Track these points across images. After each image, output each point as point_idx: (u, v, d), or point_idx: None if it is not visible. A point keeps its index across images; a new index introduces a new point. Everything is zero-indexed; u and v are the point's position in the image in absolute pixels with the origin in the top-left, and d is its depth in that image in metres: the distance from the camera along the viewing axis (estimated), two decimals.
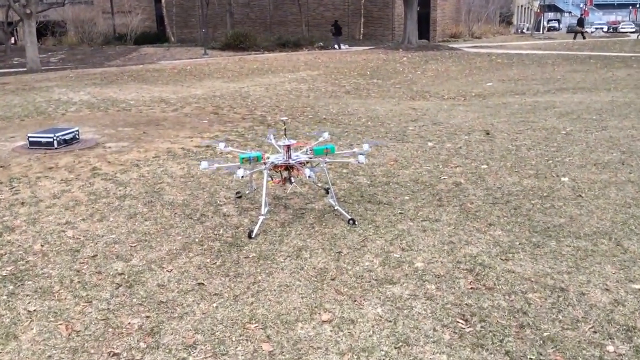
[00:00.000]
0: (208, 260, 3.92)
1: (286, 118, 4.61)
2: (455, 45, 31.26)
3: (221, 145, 4.98)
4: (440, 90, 14.20)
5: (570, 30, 38.75)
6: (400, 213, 4.73)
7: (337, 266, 3.76)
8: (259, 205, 4.97)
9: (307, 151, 4.85)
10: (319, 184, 5.13)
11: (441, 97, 13.10)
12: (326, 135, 5.18)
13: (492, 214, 4.65)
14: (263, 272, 3.73)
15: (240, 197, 5.18)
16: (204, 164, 4.50)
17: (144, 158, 6.65)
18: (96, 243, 4.25)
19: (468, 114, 9.89)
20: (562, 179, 5.62)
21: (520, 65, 19.46)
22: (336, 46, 30.32)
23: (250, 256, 3.97)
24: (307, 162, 4.73)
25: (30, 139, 7.15)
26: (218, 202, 5.09)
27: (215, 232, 4.40)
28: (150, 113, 10.39)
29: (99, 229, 4.51)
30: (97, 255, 4.05)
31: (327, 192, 5.22)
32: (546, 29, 51.37)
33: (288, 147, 4.63)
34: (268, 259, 3.91)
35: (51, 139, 7.06)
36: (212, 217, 4.74)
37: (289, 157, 4.64)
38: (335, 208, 4.62)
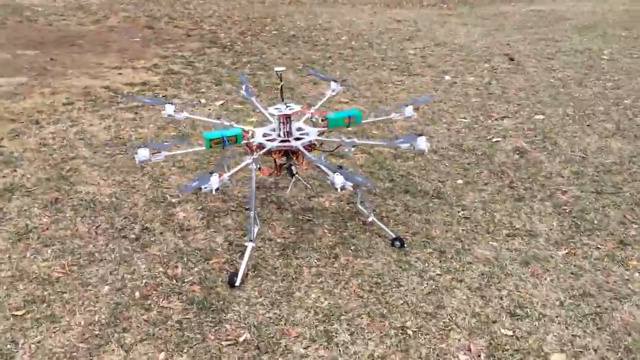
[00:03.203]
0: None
1: (283, 68, 2.58)
2: None
3: (169, 109, 2.99)
4: None
5: None
6: (464, 217, 2.97)
7: None
8: (241, 202, 3.09)
9: (312, 119, 2.94)
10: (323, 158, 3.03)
11: (420, 3, 11.06)
12: (336, 86, 3.25)
13: (611, 218, 2.96)
14: None
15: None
16: (143, 152, 2.53)
17: (49, 107, 4.51)
18: None
19: (469, 29, 8.01)
20: None
21: None
22: None
23: (241, 340, 2.15)
24: (320, 144, 2.82)
25: None
26: (169, 197, 3.17)
27: (170, 273, 2.53)
28: (63, 26, 7.94)
29: None
30: None
31: (340, 167, 3.35)
32: None
33: (287, 117, 2.70)
34: (277, 351, 2.10)
35: None
36: (160, 232, 2.84)
37: (289, 133, 2.73)
38: (370, 220, 2.80)
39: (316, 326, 2.21)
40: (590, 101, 4.77)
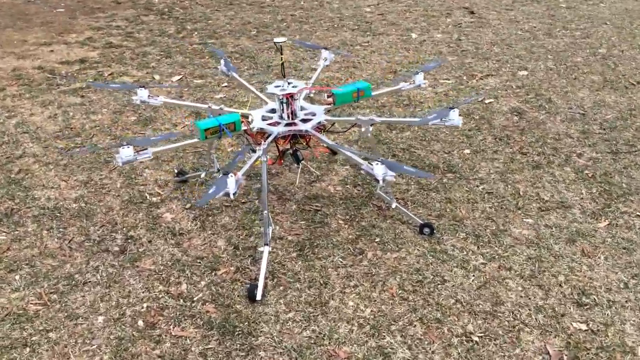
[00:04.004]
0: None
1: (284, 39, 2.16)
2: None
3: (142, 93, 2.51)
4: None
5: None
6: (487, 192, 2.71)
7: None
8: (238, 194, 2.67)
9: (309, 95, 2.55)
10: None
11: None
12: (328, 55, 2.85)
13: (637, 180, 2.78)
14: None
15: (185, 180, 2.82)
16: (126, 152, 2.07)
17: None
18: None
19: None
20: None
21: None
22: None
23: None
24: (332, 124, 2.44)
25: None
26: (148, 196, 2.71)
27: (174, 291, 2.13)
28: None
29: None
30: None
31: (334, 153, 3.00)
32: None
33: (291, 96, 2.31)
34: None
35: None
36: (148, 240, 2.41)
37: (293, 114, 2.34)
38: (393, 206, 2.46)
39: (366, 342, 1.89)
40: (566, 52, 4.60)
